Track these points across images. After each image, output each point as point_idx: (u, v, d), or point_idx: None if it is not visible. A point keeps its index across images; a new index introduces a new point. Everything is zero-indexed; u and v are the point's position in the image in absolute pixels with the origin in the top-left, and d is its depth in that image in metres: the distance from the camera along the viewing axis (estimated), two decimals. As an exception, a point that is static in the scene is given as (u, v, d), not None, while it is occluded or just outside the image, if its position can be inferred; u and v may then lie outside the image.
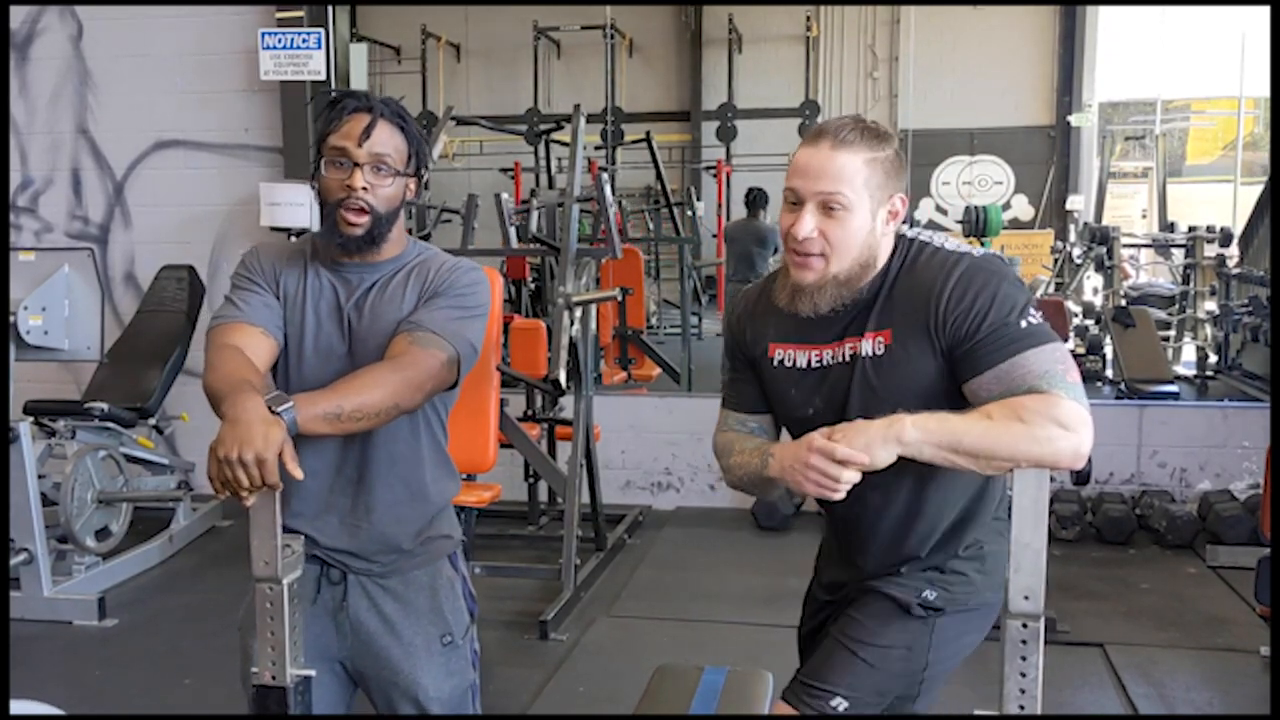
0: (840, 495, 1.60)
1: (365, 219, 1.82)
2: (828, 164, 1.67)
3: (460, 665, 1.98)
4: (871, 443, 1.58)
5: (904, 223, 1.79)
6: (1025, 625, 1.51)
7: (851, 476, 1.59)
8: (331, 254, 1.89)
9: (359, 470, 1.88)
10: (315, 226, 5.36)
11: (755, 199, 7.68)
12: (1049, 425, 1.54)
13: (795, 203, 1.70)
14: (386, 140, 1.83)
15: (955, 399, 1.68)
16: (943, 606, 1.83)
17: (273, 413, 1.61)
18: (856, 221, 1.68)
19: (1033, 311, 1.66)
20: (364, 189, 1.81)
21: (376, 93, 1.88)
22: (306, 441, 1.69)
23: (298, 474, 1.60)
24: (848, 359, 1.75)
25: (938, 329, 1.67)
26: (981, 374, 1.64)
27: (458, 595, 2.00)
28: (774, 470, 1.69)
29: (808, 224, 1.68)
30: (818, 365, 1.79)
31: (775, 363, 1.83)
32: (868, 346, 1.73)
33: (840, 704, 1.77)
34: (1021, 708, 1.52)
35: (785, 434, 1.92)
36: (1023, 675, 1.51)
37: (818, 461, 1.59)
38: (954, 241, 1.77)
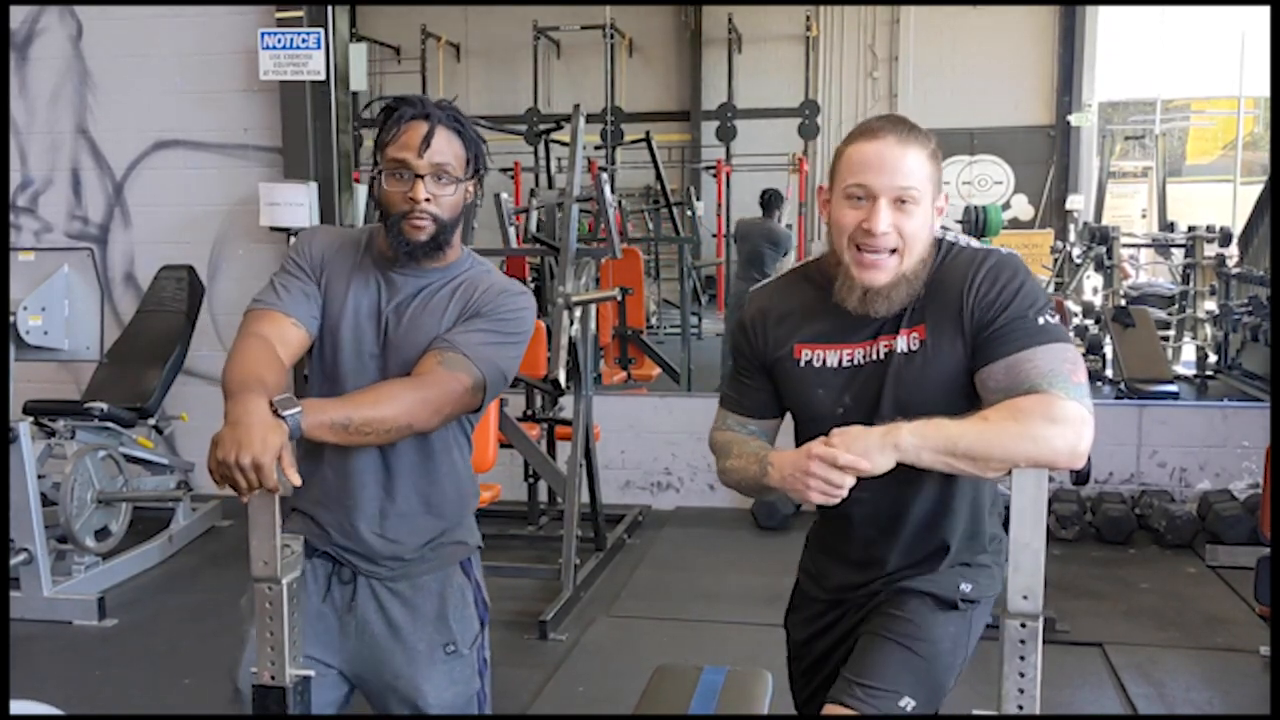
0: (836, 501, 1.61)
1: (430, 226, 1.82)
2: (901, 160, 1.68)
3: (465, 674, 1.96)
4: (870, 449, 1.58)
5: None
6: (1024, 625, 1.51)
7: (850, 483, 1.60)
8: (397, 261, 1.87)
9: (380, 476, 1.88)
10: (314, 222, 5.39)
11: (770, 200, 7.58)
12: (1044, 424, 1.55)
13: (862, 198, 1.69)
14: (445, 148, 1.81)
15: (977, 397, 1.71)
16: (977, 598, 1.85)
17: (277, 416, 1.59)
18: (923, 216, 1.70)
19: (1051, 312, 1.69)
20: (427, 200, 1.80)
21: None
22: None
23: (295, 480, 1.59)
24: (881, 357, 1.76)
25: (966, 317, 1.70)
26: (993, 363, 1.66)
27: (468, 603, 1.98)
28: (774, 479, 1.69)
29: (886, 218, 1.67)
30: (848, 365, 1.78)
31: (801, 364, 1.82)
32: (902, 343, 1.74)
33: (908, 703, 1.73)
34: (1020, 707, 1.52)
35: (788, 435, 1.91)
36: (1021, 675, 1.51)
37: (819, 469, 1.59)
38: (978, 242, 1.80)
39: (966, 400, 1.70)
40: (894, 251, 1.69)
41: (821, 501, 1.62)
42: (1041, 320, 1.66)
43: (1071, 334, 7.34)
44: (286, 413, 1.60)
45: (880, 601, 1.87)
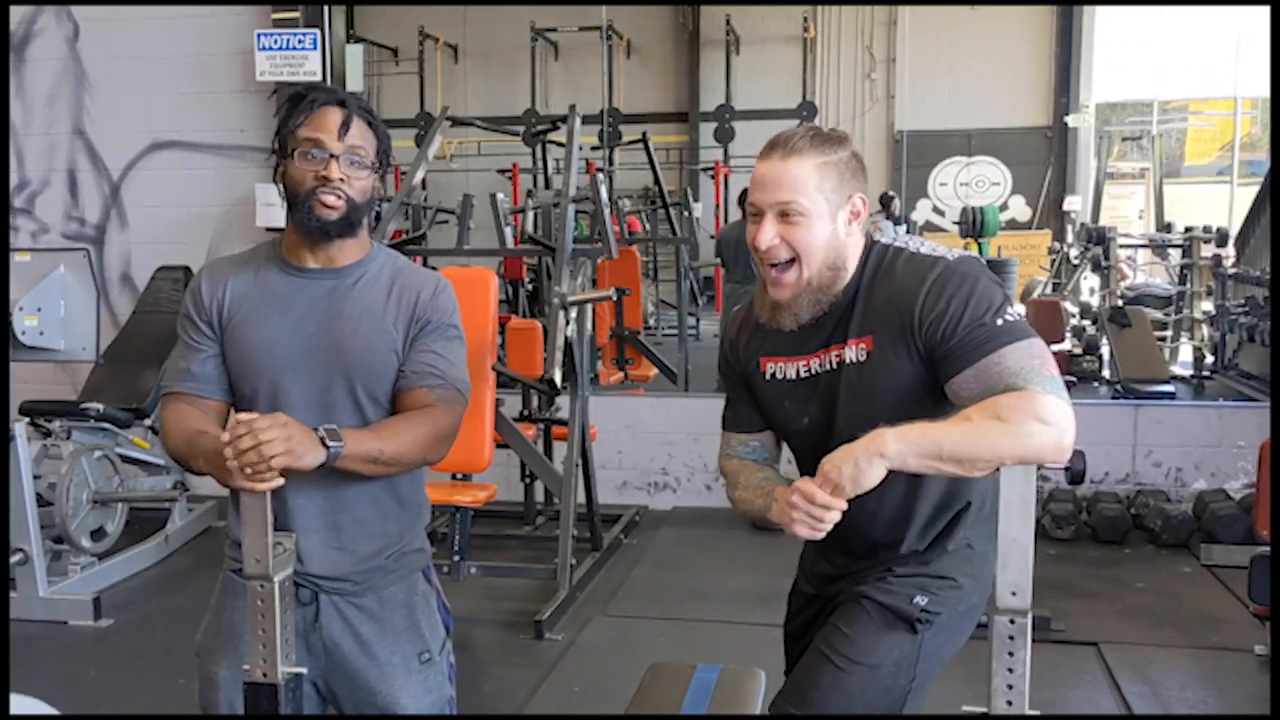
0: (821, 535, 1.63)
1: (342, 205, 1.82)
2: (782, 175, 1.73)
3: (438, 681, 1.95)
4: (856, 460, 1.59)
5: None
6: (1013, 621, 1.51)
7: (835, 515, 1.62)
8: (305, 261, 1.87)
9: (329, 487, 1.84)
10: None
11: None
12: (1028, 421, 1.56)
13: (756, 214, 1.76)
14: (359, 135, 1.83)
15: (939, 401, 1.71)
16: (936, 611, 1.83)
17: (324, 445, 1.65)
18: (817, 226, 1.74)
19: (1010, 309, 1.68)
20: (340, 180, 1.80)
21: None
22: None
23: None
24: (834, 366, 1.78)
25: (915, 333, 1.70)
26: (961, 373, 1.66)
27: (433, 610, 1.98)
28: (775, 516, 1.73)
29: (768, 233, 1.74)
30: (807, 375, 1.82)
31: (768, 377, 1.86)
32: (851, 353, 1.76)
33: None
34: (1009, 704, 1.51)
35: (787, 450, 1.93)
36: (1010, 671, 1.51)
37: (799, 501, 1.62)
38: (930, 244, 1.80)
39: (919, 411, 1.68)
40: (792, 262, 1.74)
41: (808, 536, 1.64)
42: (1000, 321, 1.66)
43: (1068, 334, 7.34)
44: (333, 445, 1.66)
45: (838, 604, 1.89)
